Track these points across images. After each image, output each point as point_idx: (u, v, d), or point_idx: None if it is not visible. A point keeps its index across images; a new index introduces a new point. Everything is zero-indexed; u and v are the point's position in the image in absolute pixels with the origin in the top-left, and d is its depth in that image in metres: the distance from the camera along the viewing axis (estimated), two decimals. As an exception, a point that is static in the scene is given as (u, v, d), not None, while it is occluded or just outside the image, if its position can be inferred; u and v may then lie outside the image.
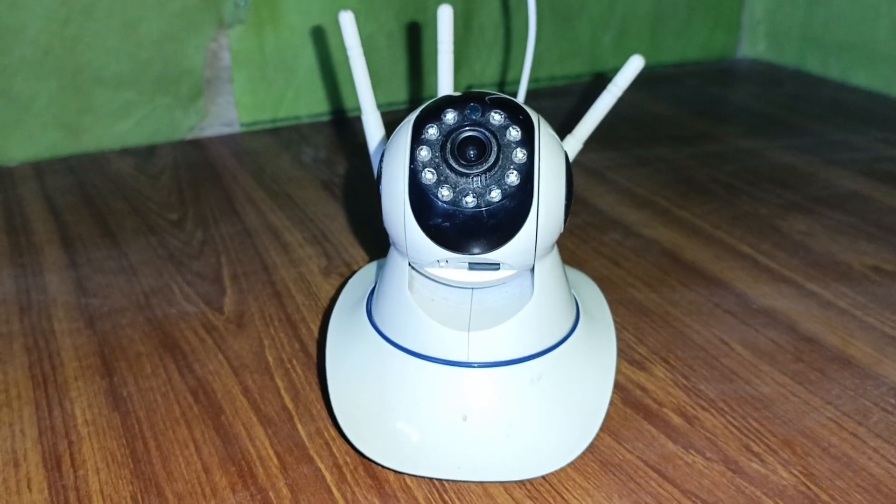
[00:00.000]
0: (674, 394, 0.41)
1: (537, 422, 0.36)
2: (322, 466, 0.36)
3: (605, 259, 0.54)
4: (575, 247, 0.56)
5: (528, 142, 0.33)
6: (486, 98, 0.34)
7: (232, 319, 0.48)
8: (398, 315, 0.37)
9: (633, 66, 0.41)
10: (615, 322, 0.45)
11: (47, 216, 0.61)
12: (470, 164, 0.33)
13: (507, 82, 0.90)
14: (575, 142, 0.43)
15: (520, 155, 0.33)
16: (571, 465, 0.36)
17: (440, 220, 0.33)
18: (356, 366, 0.38)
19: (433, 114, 0.34)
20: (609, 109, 0.42)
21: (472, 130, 0.33)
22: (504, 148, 0.33)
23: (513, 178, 0.33)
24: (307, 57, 0.79)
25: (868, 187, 0.66)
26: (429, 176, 0.33)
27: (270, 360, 0.44)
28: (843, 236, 0.58)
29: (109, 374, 0.43)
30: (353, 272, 0.49)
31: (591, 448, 0.37)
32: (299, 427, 0.39)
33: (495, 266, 0.35)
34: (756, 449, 0.37)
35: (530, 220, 0.33)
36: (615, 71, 0.42)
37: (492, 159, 0.33)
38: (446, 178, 0.33)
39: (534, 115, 0.34)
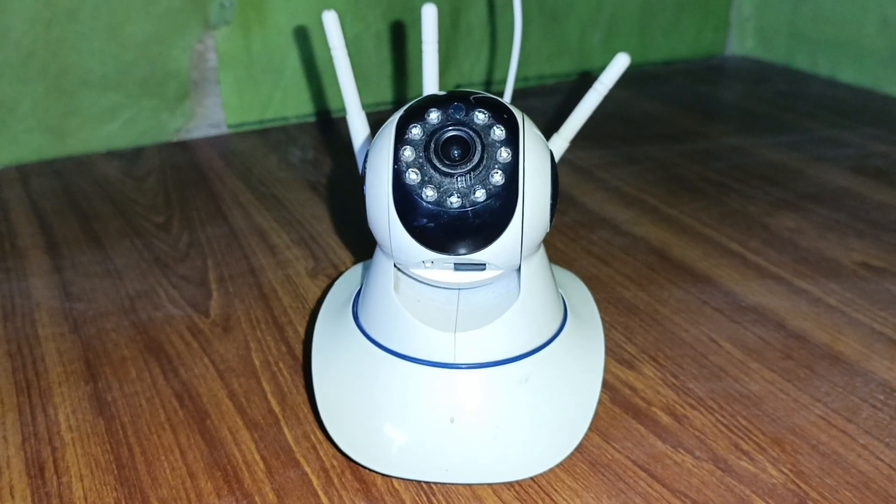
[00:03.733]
0: (662, 393, 0.41)
1: (525, 423, 0.36)
2: (309, 470, 0.36)
3: (594, 258, 0.54)
4: (563, 245, 0.56)
5: (512, 141, 0.33)
6: (471, 97, 0.33)
7: (218, 322, 0.47)
8: (384, 317, 0.37)
9: (619, 63, 0.41)
10: (603, 321, 0.45)
11: (32, 220, 0.60)
12: (454, 163, 0.33)
13: (495, 81, 0.90)
14: (561, 140, 0.43)
15: (504, 154, 0.33)
16: (560, 465, 0.36)
17: (425, 220, 0.33)
18: (342, 369, 0.38)
19: (417, 113, 0.33)
20: (595, 108, 0.42)
21: (455, 130, 0.33)
22: (488, 147, 0.33)
23: (497, 178, 0.32)
24: (294, 58, 0.79)
25: (857, 183, 0.66)
26: (413, 176, 0.33)
27: (257, 363, 0.44)
28: (832, 233, 0.58)
29: (94, 379, 0.42)
30: (340, 273, 0.49)
31: (580, 448, 0.37)
32: (286, 431, 0.39)
33: (481, 266, 0.35)
34: (745, 447, 0.37)
35: (515, 220, 0.33)
36: (604, 69, 0.42)
37: (476, 159, 0.32)
38: (430, 178, 0.33)
39: (518, 114, 0.34)
